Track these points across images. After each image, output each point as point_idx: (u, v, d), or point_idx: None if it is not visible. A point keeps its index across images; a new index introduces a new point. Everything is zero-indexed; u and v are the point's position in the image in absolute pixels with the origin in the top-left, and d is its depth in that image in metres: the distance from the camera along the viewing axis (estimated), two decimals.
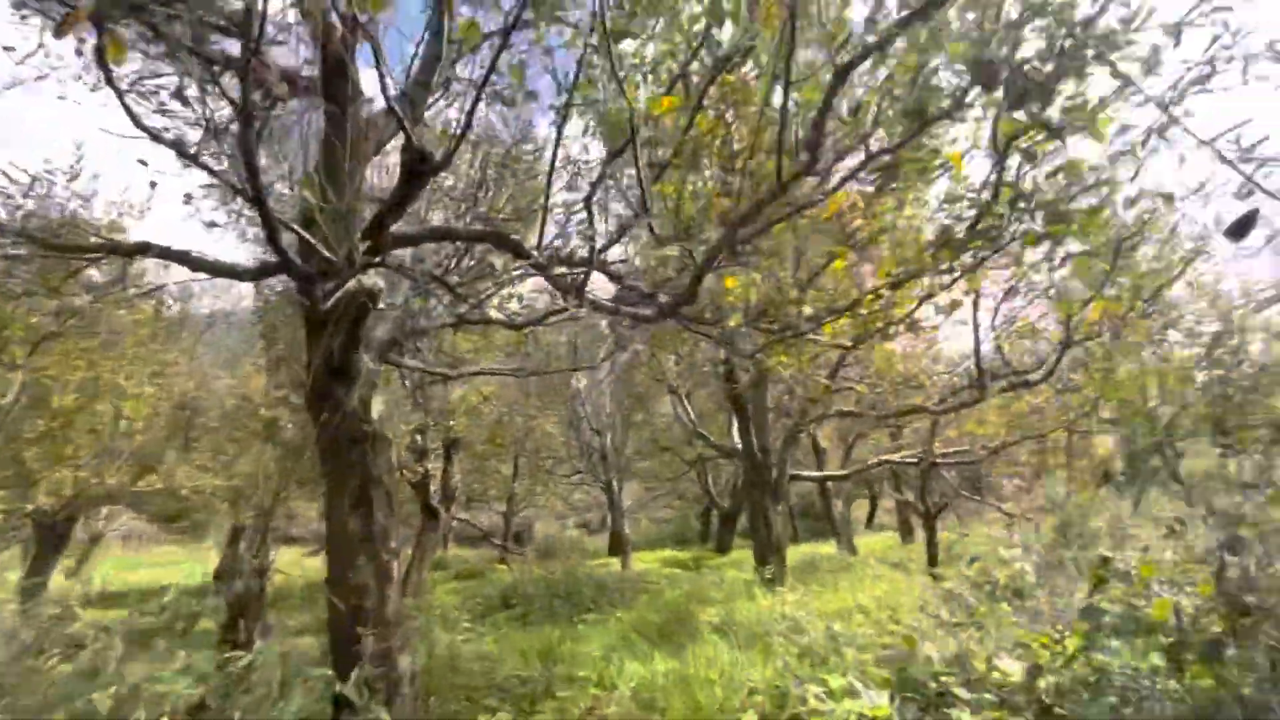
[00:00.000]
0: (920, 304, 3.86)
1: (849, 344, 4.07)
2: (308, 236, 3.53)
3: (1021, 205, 3.25)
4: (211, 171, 3.15)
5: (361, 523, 4.17)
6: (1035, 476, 15.53)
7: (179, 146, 3.22)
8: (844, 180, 3.26)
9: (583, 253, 4.97)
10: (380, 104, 4.75)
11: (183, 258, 3.94)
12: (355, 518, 4.16)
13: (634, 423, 17.39)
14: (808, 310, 3.75)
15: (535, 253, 4.26)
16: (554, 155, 4.25)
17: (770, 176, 3.48)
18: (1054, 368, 6.36)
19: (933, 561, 10.27)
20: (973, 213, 3.74)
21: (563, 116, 3.90)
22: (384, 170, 8.79)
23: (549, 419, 18.38)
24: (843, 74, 2.83)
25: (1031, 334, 6.80)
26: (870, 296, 3.83)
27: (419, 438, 12.04)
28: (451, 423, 12.51)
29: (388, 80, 3.10)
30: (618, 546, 18.45)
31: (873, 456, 12.43)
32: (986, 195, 3.66)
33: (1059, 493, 7.82)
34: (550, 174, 4.19)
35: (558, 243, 5.19)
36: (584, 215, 6.29)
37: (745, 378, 8.55)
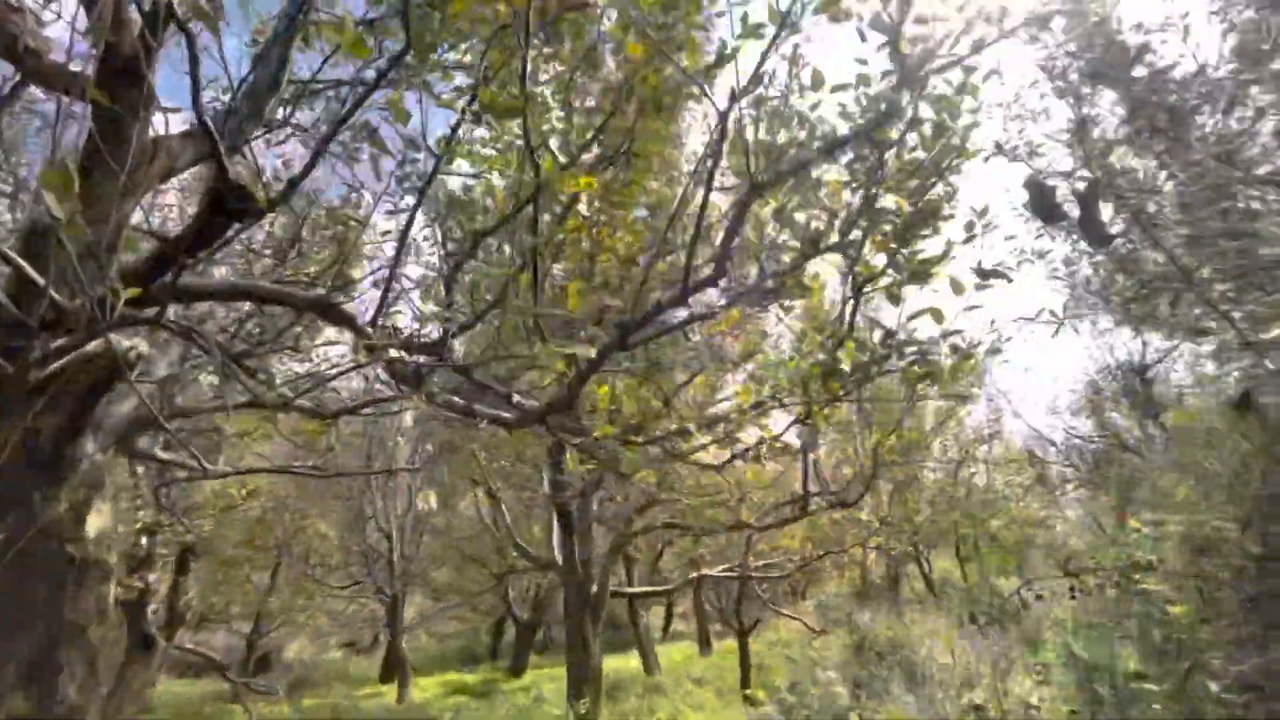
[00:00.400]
0: (789, 427, 3.83)
1: (716, 465, 3.89)
2: (28, 269, 2.45)
3: (890, 344, 3.40)
4: None
5: (38, 699, 2.74)
6: (808, 586, 16.68)
7: None
8: (740, 295, 3.16)
9: (424, 336, 4.29)
10: (177, 127, 3.77)
11: None
12: (28, 692, 2.73)
13: (432, 526, 15.56)
14: (687, 425, 3.51)
15: (371, 330, 3.52)
16: (409, 222, 3.70)
17: (666, 281, 3.27)
18: (866, 489, 6.86)
19: (745, 682, 10.14)
20: (830, 342, 3.88)
21: (429, 179, 3.41)
22: (160, 210, 7.21)
23: (327, 517, 15.79)
24: (756, 191, 2.77)
25: (844, 459, 7.37)
26: (741, 415, 3.71)
27: (144, 540, 9.30)
28: (197, 522, 9.91)
29: (201, 91, 2.36)
30: (394, 670, 15.87)
31: (684, 566, 12.38)
32: (843, 331, 3.84)
33: (862, 614, 8.31)
34: (402, 243, 3.62)
35: (394, 322, 4.44)
36: (422, 293, 5.60)
37: (575, 485, 8.07)
